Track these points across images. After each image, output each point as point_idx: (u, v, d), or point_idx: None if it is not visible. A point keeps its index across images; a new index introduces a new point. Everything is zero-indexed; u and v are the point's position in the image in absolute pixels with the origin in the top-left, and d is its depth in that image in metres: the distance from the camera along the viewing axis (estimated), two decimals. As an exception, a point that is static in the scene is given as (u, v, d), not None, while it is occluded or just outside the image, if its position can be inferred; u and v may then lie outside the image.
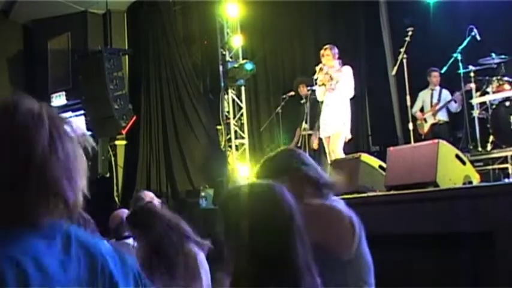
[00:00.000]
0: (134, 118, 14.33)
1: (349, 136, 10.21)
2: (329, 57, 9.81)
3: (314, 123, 11.69)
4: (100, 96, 13.97)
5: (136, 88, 15.38)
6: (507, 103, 10.51)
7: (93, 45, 15.25)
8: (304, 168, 3.46)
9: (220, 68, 13.72)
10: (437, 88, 12.39)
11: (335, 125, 9.79)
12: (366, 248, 3.39)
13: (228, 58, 13.69)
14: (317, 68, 9.99)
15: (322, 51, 9.96)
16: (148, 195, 6.61)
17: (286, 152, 3.69)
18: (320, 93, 10.13)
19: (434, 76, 12.35)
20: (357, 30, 13.89)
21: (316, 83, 10.22)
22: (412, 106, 11.15)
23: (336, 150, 9.53)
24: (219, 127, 14.29)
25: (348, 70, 9.86)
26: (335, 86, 9.80)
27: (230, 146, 13.77)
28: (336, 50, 9.93)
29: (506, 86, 10.80)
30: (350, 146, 11.19)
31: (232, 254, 2.42)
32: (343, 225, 3.28)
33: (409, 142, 9.72)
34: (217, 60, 13.94)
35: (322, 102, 10.26)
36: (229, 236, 2.46)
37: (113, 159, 15.13)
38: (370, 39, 14.12)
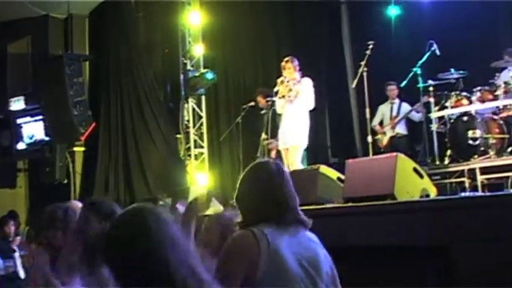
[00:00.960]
0: (93, 125, 14.21)
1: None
2: (290, 70, 9.77)
3: (274, 134, 11.72)
4: (59, 101, 13.83)
5: (96, 94, 15.25)
6: (465, 118, 10.64)
7: (54, 50, 15.08)
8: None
9: (181, 76, 13.69)
10: (397, 101, 12.50)
11: (294, 137, 9.76)
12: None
13: (189, 67, 13.66)
14: (278, 81, 9.97)
15: (283, 64, 9.91)
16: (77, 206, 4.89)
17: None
18: (280, 105, 10.09)
19: (391, 89, 12.47)
20: (319, 42, 13.96)
21: (276, 95, 10.18)
22: (371, 119, 11.23)
23: (294, 163, 9.52)
24: (178, 136, 14.24)
25: (307, 82, 9.84)
26: (294, 98, 9.77)
27: (189, 155, 13.73)
28: (297, 62, 9.91)
29: (464, 101, 10.93)
30: (309, 158, 11.25)
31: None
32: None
33: (368, 155, 9.77)
34: (178, 69, 13.90)
35: (281, 114, 10.24)
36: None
37: (71, 165, 14.96)
38: (332, 52, 14.20)
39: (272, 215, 3.31)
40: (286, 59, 9.83)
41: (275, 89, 9.99)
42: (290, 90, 9.73)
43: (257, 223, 3.27)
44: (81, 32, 15.77)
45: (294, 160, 9.56)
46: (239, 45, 14.47)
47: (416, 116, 12.33)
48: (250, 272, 3.10)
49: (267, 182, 3.39)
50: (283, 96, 9.82)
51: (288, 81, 9.81)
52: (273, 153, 11.70)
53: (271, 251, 3.13)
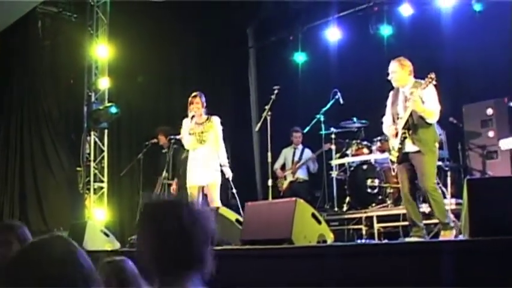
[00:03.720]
0: (-10, 152, 13.79)
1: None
2: (198, 105, 9.59)
3: (175, 173, 11.64)
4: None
5: (-4, 121, 14.82)
6: (364, 166, 10.84)
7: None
8: None
9: (85, 108, 13.42)
10: (300, 147, 12.65)
11: (210, 174, 9.51)
12: None
13: (93, 99, 13.44)
14: (189, 116, 9.69)
15: (191, 99, 9.69)
16: None
17: None
18: (190, 142, 9.74)
19: (296, 136, 12.63)
20: (225, 84, 14.04)
21: (182, 133, 9.93)
22: (273, 163, 11.29)
23: (215, 199, 9.31)
24: (78, 169, 13.94)
25: (218, 121, 9.71)
26: (207, 138, 9.56)
27: (88, 189, 13.43)
28: (204, 98, 9.78)
29: (365, 150, 11.17)
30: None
31: None
32: None
33: (268, 198, 9.78)
34: (82, 101, 13.65)
35: (188, 151, 9.98)
36: None
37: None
38: (238, 94, 14.31)
39: None
40: (194, 94, 9.68)
41: (184, 125, 9.71)
42: (202, 132, 9.51)
43: None
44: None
45: (215, 197, 9.32)
46: (145, 81, 14.38)
47: (311, 166, 12.52)
48: None
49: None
50: (194, 133, 9.58)
51: (201, 122, 9.56)
52: (174, 191, 11.61)
53: None
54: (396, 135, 7.84)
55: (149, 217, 2.88)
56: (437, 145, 7.80)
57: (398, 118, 7.85)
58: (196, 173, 9.52)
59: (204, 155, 9.47)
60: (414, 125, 7.67)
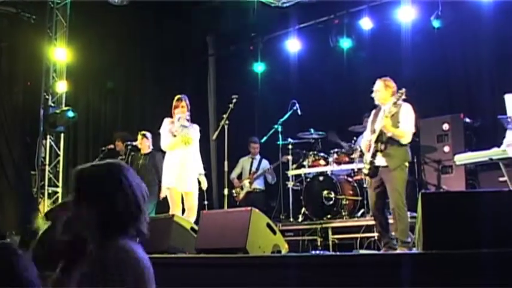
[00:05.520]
0: None
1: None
2: (184, 109, 9.37)
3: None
4: None
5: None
6: (321, 178, 10.88)
7: None
8: None
9: (41, 112, 13.26)
10: (258, 157, 12.66)
11: (193, 180, 9.32)
12: None
13: (50, 103, 13.28)
14: (175, 118, 9.44)
15: (176, 103, 9.39)
16: None
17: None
18: (172, 143, 9.48)
19: (254, 146, 12.64)
20: (184, 90, 13.94)
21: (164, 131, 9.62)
22: (230, 172, 11.27)
23: (195, 206, 9.13)
24: (33, 172, 13.76)
25: (198, 129, 9.53)
26: (191, 141, 9.36)
27: (43, 193, 13.26)
28: (188, 101, 9.57)
29: (322, 162, 11.22)
30: (164, 205, 11.14)
31: None
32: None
33: (223, 207, 9.75)
34: (39, 104, 13.47)
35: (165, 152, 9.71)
36: None
37: None
38: (196, 103, 14.21)
39: None
40: (178, 97, 9.43)
41: (166, 125, 9.44)
42: (188, 134, 9.32)
43: None
44: None
45: (195, 204, 9.16)
46: (103, 86, 14.26)
47: (269, 178, 12.55)
48: None
49: None
50: (175, 136, 9.37)
51: (186, 126, 9.34)
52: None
53: None
54: (369, 149, 7.92)
55: (90, 181, 2.86)
56: (407, 164, 7.91)
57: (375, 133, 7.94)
58: (181, 178, 9.25)
59: (186, 158, 9.31)
60: (386, 140, 7.78)
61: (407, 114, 7.85)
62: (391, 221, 8.03)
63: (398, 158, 7.76)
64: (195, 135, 9.45)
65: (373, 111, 8.27)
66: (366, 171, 8.04)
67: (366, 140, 8.19)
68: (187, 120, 9.43)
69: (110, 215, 2.75)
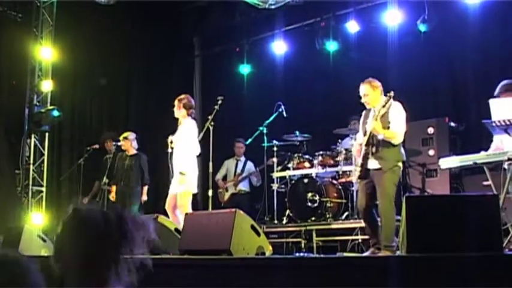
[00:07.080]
0: None
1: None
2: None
3: (115, 179, 11.60)
4: None
5: None
6: (305, 180, 10.90)
7: None
8: None
9: (26, 111, 13.19)
10: (243, 159, 12.65)
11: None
12: None
13: (35, 102, 13.21)
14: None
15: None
16: None
17: None
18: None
19: (238, 147, 12.64)
20: (170, 90, 13.92)
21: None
22: (214, 173, 11.23)
23: (188, 208, 9.02)
24: (17, 171, 13.68)
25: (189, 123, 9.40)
26: (175, 142, 9.26)
27: (27, 193, 13.19)
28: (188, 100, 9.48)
29: (306, 164, 11.23)
30: (148, 206, 11.15)
31: None
32: None
33: (208, 208, 9.72)
34: (24, 103, 13.40)
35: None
36: None
37: None
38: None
39: None
40: (183, 96, 9.47)
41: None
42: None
43: None
44: None
45: (188, 206, 9.05)
46: (90, 86, 14.20)
47: (254, 180, 12.55)
48: None
49: None
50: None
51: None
52: (113, 195, 11.56)
53: None
54: (360, 152, 7.87)
55: (81, 222, 2.84)
56: (400, 165, 7.80)
57: (366, 135, 7.87)
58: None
59: (176, 162, 9.26)
60: (377, 142, 7.72)
61: (398, 114, 7.75)
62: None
63: (390, 160, 7.69)
64: (184, 135, 9.36)
65: (364, 113, 8.15)
66: (357, 173, 7.96)
67: (357, 144, 8.15)
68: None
69: None
